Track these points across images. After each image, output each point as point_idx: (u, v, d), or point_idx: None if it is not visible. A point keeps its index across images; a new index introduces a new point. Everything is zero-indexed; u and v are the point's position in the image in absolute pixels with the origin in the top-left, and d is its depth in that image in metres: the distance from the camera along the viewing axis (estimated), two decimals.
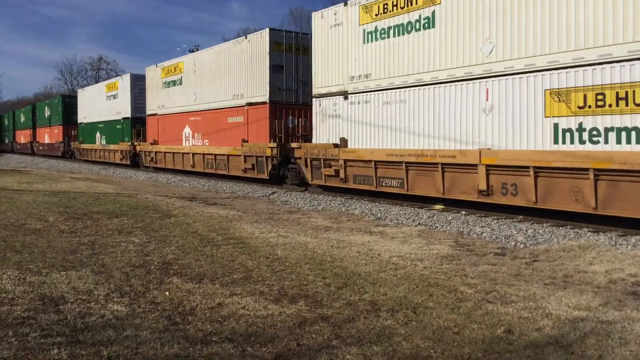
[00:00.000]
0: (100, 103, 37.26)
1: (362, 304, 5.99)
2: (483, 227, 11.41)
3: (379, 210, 14.05)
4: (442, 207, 14.04)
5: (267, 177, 20.11)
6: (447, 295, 6.32)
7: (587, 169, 10.15)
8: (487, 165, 11.99)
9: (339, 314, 5.62)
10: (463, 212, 13.13)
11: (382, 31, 14.97)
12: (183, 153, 26.18)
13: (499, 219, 12.17)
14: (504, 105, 11.96)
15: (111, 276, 7.01)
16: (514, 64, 11.76)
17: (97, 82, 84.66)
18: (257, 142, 20.53)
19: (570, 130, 10.72)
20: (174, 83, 27.41)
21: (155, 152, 29.16)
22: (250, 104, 21.30)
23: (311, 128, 18.25)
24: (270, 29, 20.32)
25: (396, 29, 14.56)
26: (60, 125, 47.02)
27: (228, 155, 22.32)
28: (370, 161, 15.14)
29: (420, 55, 13.91)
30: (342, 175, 16.23)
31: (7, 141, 73.65)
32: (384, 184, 14.91)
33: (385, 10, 14.82)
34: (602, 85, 10.20)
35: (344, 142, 16.41)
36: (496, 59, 12.09)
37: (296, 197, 17.20)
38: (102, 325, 5.14)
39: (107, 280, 6.79)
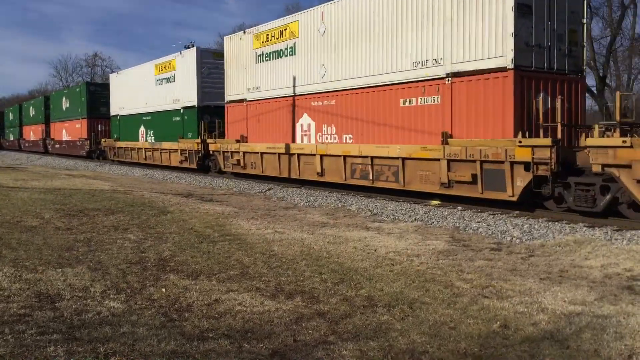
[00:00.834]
0: (147, 89, 29.63)
1: (358, 299, 6.00)
2: (479, 222, 11.44)
3: (376, 206, 14.07)
4: (439, 202, 14.06)
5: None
6: (443, 290, 6.34)
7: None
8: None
9: (335, 310, 5.63)
10: (459, 208, 13.15)
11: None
12: (301, 155, 18.38)
13: (494, 214, 12.20)
14: None
15: (107, 273, 7.01)
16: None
17: (92, 79, 78.41)
18: (492, 135, 12.53)
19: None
20: (278, 54, 19.65)
21: (245, 153, 21.22)
22: (459, 74, 13.19)
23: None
24: None
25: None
26: (83, 118, 39.06)
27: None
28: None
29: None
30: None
31: (12, 138, 65.95)
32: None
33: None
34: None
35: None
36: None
37: (292, 194, 17.20)
38: (98, 322, 5.14)
39: (104, 277, 6.78)
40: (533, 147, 11.46)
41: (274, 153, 19.52)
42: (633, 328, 5.08)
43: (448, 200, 13.85)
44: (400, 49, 14.64)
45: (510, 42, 11.94)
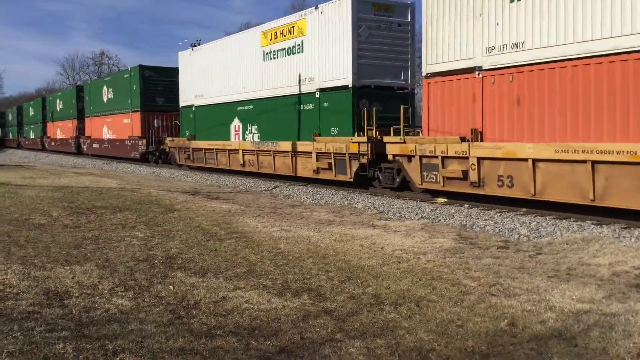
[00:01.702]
0: (246, 68, 21.51)
1: (365, 297, 6.00)
2: (486, 220, 11.41)
3: (382, 203, 14.05)
4: (445, 200, 14.04)
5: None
6: (450, 288, 6.33)
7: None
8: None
9: (342, 308, 5.63)
10: (466, 205, 13.12)
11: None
12: None
13: (502, 212, 12.16)
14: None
15: (115, 270, 7.04)
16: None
17: (99, 77, 71.67)
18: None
19: None
20: None
21: (506, 162, 11.98)
22: None
23: None
24: None
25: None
26: (135, 111, 31.52)
27: None
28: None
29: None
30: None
31: (32, 136, 58.53)
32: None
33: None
34: None
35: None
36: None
37: (299, 191, 17.21)
38: (106, 319, 5.16)
39: (112, 275, 6.81)
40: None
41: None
42: None
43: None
44: None
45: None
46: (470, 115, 12.85)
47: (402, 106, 14.87)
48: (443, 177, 13.32)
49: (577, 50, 10.75)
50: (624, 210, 10.13)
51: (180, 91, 27.02)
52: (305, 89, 18.40)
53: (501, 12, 12.08)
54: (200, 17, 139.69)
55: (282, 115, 19.57)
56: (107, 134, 36.55)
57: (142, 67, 31.24)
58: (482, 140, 12.58)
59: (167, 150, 28.56)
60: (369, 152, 15.53)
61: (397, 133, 14.67)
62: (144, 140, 30.52)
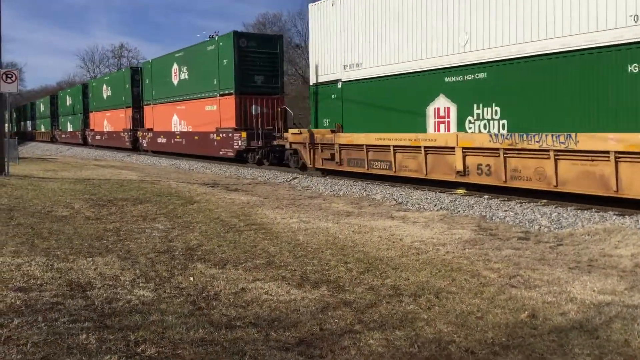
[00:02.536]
0: (480, 5, 13.09)
1: (384, 289, 6.00)
2: (506, 211, 11.32)
3: (400, 195, 14.01)
4: (465, 191, 13.95)
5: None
6: (470, 280, 6.30)
7: None
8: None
9: (361, 299, 5.64)
10: (486, 197, 13.02)
11: None
12: None
13: (522, 203, 12.05)
14: None
15: (136, 262, 7.12)
16: None
17: (119, 69, 68.45)
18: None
19: None
20: None
21: None
22: None
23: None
24: None
25: None
26: (224, 95, 24.36)
27: None
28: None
29: None
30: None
31: (70, 128, 51.26)
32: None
33: None
34: None
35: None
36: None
37: (317, 183, 17.22)
38: (128, 310, 5.23)
39: (133, 266, 6.89)
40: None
41: None
42: None
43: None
44: None
45: None
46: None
47: None
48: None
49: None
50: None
51: (311, 62, 19.18)
52: None
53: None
54: (218, 8, 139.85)
55: (579, 86, 11.36)
56: (177, 125, 29.27)
57: (237, 35, 23.65)
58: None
59: (287, 147, 20.13)
60: None
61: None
62: (244, 134, 22.76)
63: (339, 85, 17.95)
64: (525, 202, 12.11)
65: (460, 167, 13.63)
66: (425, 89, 14.85)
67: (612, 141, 10.47)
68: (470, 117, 13.73)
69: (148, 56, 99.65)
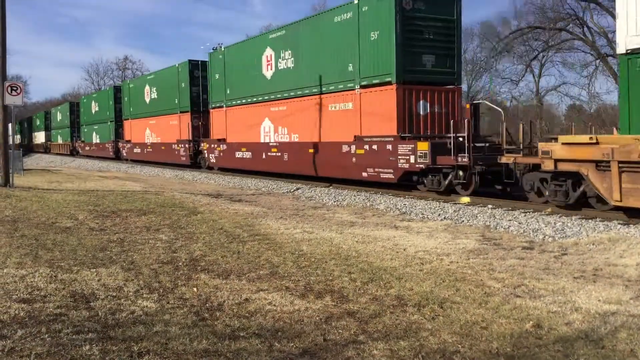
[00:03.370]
0: None
1: (388, 299, 5.99)
2: (510, 220, 11.29)
3: (404, 204, 13.99)
4: (469, 200, 13.92)
5: None
6: (474, 289, 6.27)
7: None
8: None
9: (365, 309, 5.62)
10: (490, 206, 12.99)
11: None
12: None
13: (526, 212, 12.02)
14: None
15: (140, 273, 7.12)
16: None
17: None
18: None
19: None
20: None
21: None
22: None
23: None
24: None
25: None
26: (385, 84, 15.58)
27: None
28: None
29: None
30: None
31: (96, 140, 43.96)
32: None
33: None
34: None
35: None
36: None
37: (321, 193, 17.22)
38: (132, 321, 5.23)
39: (137, 277, 6.89)
40: None
41: None
42: None
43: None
44: None
45: None
46: None
47: None
48: None
49: None
50: None
51: (620, 13, 10.63)
52: None
53: None
54: (221, 21, 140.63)
55: None
56: (273, 134, 20.97)
57: None
58: None
59: (547, 167, 11.56)
60: None
61: None
62: (424, 145, 14.37)
63: None
64: (529, 212, 12.08)
65: None
66: None
67: None
68: None
69: (152, 68, 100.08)
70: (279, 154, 20.69)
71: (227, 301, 5.92)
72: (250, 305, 5.80)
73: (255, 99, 22.16)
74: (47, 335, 4.79)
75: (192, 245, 8.92)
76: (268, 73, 21.15)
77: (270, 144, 21.23)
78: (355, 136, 16.90)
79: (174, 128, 29.74)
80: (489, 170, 13.77)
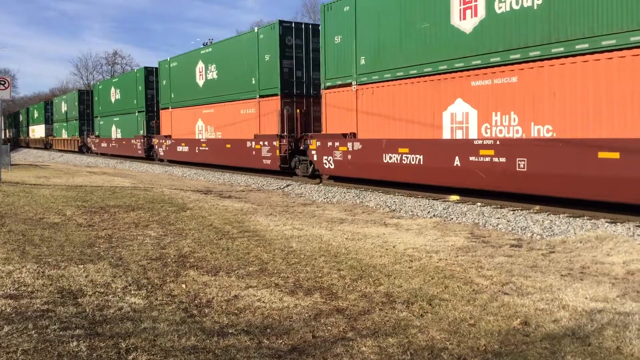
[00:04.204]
0: None
1: (377, 296, 6.00)
2: (499, 218, 11.35)
3: (394, 202, 14.03)
4: (458, 198, 13.98)
5: None
6: (462, 287, 6.30)
7: None
8: None
9: (354, 306, 5.63)
10: (479, 204, 13.06)
11: None
12: None
13: (514, 210, 12.09)
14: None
15: (128, 269, 7.08)
16: None
17: (112, 76, 59.14)
18: None
19: None
20: None
21: None
22: None
23: None
24: None
25: None
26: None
27: None
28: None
29: None
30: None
31: (117, 135, 36.56)
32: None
33: None
34: None
35: None
36: None
37: (310, 190, 17.22)
38: (120, 317, 5.20)
39: (125, 273, 6.86)
40: None
41: None
42: None
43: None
44: None
45: None
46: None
47: None
48: None
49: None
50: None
51: None
52: None
53: None
54: (212, 16, 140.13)
55: None
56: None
57: None
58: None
59: None
60: None
61: None
62: None
63: None
64: (517, 210, 12.15)
65: None
66: None
67: None
68: None
69: (142, 63, 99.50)
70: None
71: (216, 298, 5.91)
72: (239, 302, 5.79)
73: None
74: (34, 332, 4.75)
75: (181, 242, 8.89)
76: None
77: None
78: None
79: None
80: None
